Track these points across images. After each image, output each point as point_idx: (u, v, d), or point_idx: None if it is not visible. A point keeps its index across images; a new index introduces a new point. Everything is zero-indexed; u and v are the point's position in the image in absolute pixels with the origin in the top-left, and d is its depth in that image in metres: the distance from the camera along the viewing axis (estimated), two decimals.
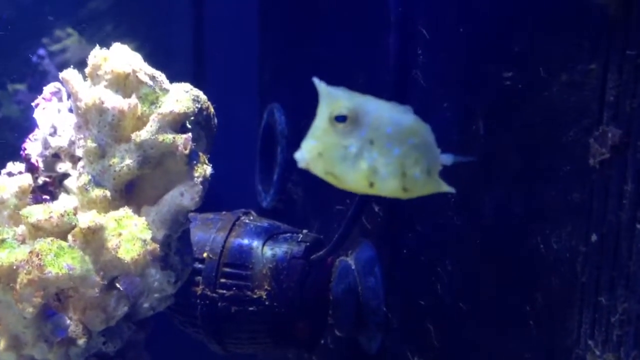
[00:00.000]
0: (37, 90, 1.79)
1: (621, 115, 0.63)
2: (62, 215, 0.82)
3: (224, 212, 1.18)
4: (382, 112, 0.60)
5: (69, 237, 0.85)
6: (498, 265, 0.81)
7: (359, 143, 0.58)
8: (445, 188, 0.63)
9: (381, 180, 0.59)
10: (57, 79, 1.81)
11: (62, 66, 1.85)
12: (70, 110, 1.03)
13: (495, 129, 0.81)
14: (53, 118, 1.03)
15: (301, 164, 0.58)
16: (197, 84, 1.77)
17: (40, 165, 1.02)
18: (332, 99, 0.58)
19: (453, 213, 0.89)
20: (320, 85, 0.58)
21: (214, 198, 1.05)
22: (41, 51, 1.83)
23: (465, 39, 0.85)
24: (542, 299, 0.73)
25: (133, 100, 0.93)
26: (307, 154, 0.58)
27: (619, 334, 0.64)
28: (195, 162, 0.96)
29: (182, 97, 0.96)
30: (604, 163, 0.65)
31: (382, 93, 0.99)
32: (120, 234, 0.87)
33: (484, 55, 0.82)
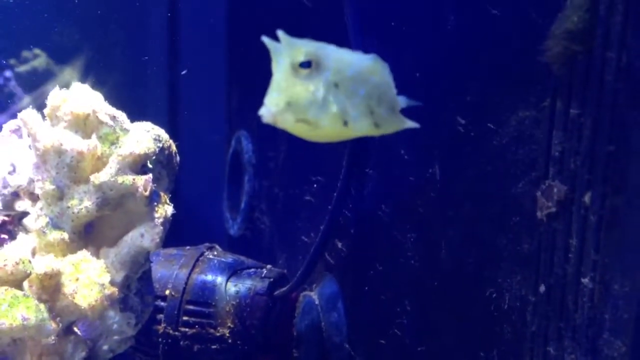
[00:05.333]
0: (2, 112, 1.76)
1: (566, 172, 0.65)
2: (17, 264, 0.81)
3: (187, 247, 1.17)
4: (342, 54, 0.60)
5: (25, 283, 0.84)
6: (454, 309, 0.82)
7: (324, 86, 0.58)
8: (410, 124, 0.65)
9: (354, 120, 0.59)
10: (23, 101, 1.78)
11: (29, 87, 1.83)
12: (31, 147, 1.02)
13: (450, 174, 0.82)
14: (12, 156, 1.02)
15: (267, 119, 0.57)
16: (171, 111, 1.74)
17: None
18: (291, 46, 0.58)
19: (412, 254, 0.90)
20: (281, 35, 0.58)
21: (184, 224, 1.04)
22: (7, 73, 1.81)
23: (422, 84, 0.87)
24: (495, 347, 0.74)
25: (92, 141, 0.93)
26: (273, 108, 0.57)
27: None
28: (156, 202, 0.96)
29: (142, 137, 0.96)
30: (551, 216, 0.66)
31: None
32: (77, 279, 0.86)
33: (439, 101, 0.84)
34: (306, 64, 0.58)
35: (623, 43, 0.58)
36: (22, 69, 1.83)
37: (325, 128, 0.59)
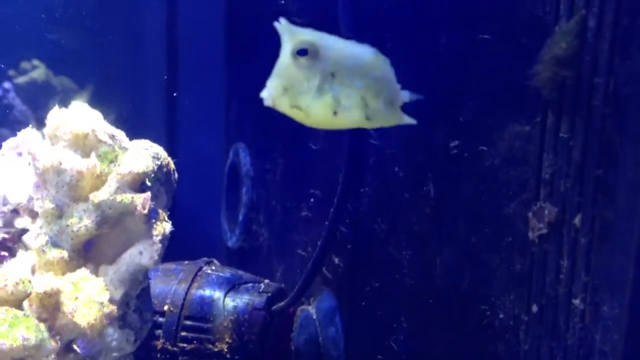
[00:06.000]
0: (1, 123, 1.77)
1: (556, 194, 0.66)
2: (17, 284, 0.82)
3: (186, 262, 1.18)
4: (343, 46, 0.62)
5: (25, 302, 0.85)
6: (449, 326, 0.83)
7: (321, 76, 0.60)
8: (407, 120, 0.66)
9: (345, 111, 0.61)
10: (22, 112, 1.79)
11: (28, 99, 1.84)
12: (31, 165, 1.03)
13: (444, 193, 0.83)
14: (12, 174, 1.03)
15: (267, 102, 0.60)
16: (169, 122, 1.74)
17: None
18: (292, 34, 0.60)
19: (407, 271, 0.91)
20: (283, 23, 0.60)
21: (183, 235, 1.05)
22: (7, 84, 1.82)
23: (415, 103, 0.88)
24: None
25: (92, 160, 0.94)
26: (272, 91, 0.60)
27: None
28: (154, 220, 0.97)
29: (141, 155, 0.97)
30: (542, 238, 0.67)
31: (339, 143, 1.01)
32: (76, 298, 0.87)
33: (433, 121, 0.85)
34: (303, 52, 0.60)
35: (610, 69, 0.59)
36: (21, 80, 1.84)
37: (316, 115, 0.61)
